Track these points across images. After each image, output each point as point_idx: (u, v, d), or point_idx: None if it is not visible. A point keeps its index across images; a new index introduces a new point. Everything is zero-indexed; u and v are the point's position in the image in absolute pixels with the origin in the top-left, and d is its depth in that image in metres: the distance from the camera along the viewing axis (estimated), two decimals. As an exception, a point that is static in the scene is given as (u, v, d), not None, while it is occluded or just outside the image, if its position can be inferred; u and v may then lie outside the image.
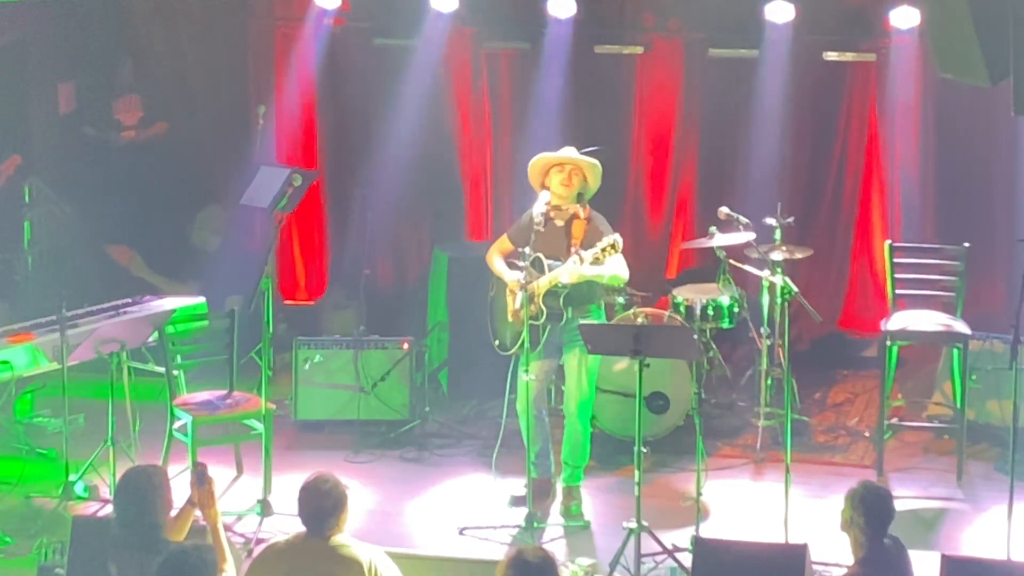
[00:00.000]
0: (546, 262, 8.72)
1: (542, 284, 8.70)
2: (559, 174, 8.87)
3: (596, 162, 8.90)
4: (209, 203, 12.20)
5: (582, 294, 8.81)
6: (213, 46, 12.31)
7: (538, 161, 8.94)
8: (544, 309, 8.72)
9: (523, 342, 8.64)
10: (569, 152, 8.93)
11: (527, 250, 8.65)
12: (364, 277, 11.66)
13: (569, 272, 8.64)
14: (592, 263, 8.59)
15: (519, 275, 8.69)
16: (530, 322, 8.60)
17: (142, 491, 6.76)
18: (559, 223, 8.88)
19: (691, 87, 11.72)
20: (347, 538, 6.54)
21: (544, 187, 8.92)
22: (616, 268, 8.77)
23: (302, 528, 6.64)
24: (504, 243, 9.14)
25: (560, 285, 8.71)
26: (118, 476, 7.10)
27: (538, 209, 8.77)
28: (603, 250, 8.57)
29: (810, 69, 11.38)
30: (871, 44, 11.30)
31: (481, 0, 11.52)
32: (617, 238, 8.63)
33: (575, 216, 8.87)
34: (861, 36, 11.34)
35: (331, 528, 6.52)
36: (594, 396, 9.11)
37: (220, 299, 11.31)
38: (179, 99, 12.41)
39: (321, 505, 6.54)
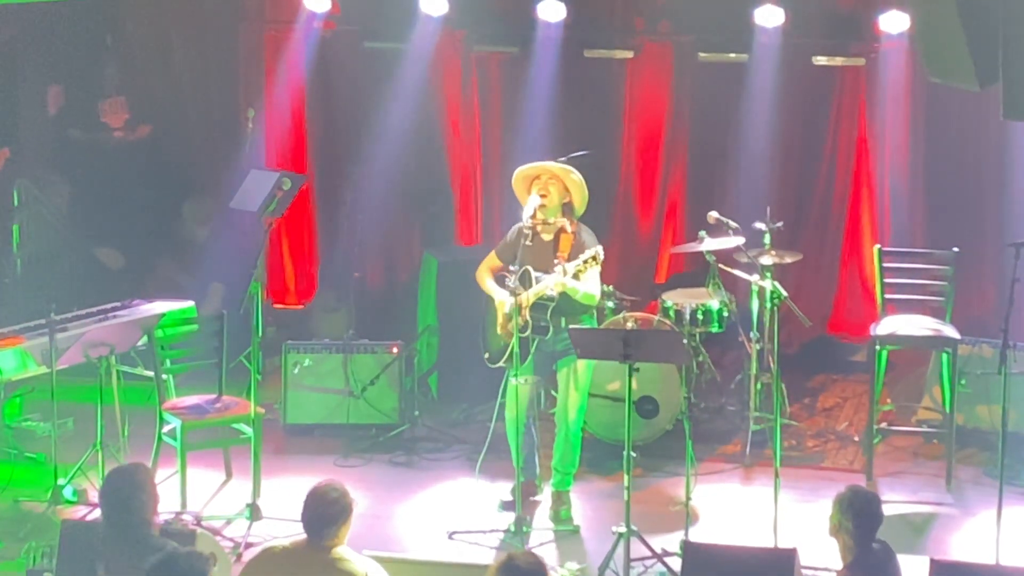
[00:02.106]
0: (534, 275, 8.72)
1: (529, 296, 8.70)
2: (536, 184, 8.88)
3: (570, 168, 8.89)
4: (194, 194, 12.19)
5: (569, 307, 8.81)
6: (203, 49, 12.31)
7: (516, 179, 8.96)
8: (530, 321, 8.72)
9: (510, 355, 8.65)
10: (544, 162, 8.92)
11: (514, 266, 8.63)
12: (354, 281, 11.67)
13: (554, 283, 8.66)
14: (575, 275, 8.61)
15: (507, 295, 8.70)
16: (518, 334, 8.59)
17: (125, 491, 6.74)
18: (547, 237, 8.89)
19: (681, 91, 11.74)
20: (346, 551, 6.48)
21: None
22: (590, 286, 8.78)
23: (298, 533, 6.60)
24: (493, 260, 9.12)
25: (547, 297, 8.71)
26: (106, 480, 7.10)
27: (527, 214, 8.75)
28: (585, 262, 8.58)
29: (800, 73, 11.39)
30: (860, 48, 11.31)
31: (471, 4, 11.52)
32: (599, 250, 8.64)
33: (562, 230, 8.88)
34: (850, 40, 11.35)
35: (330, 537, 6.46)
36: (586, 405, 9.11)
37: (203, 286, 11.34)
38: (169, 102, 12.40)
39: (325, 512, 6.47)
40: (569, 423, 8.99)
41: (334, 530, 6.48)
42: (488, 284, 9.08)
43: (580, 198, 8.89)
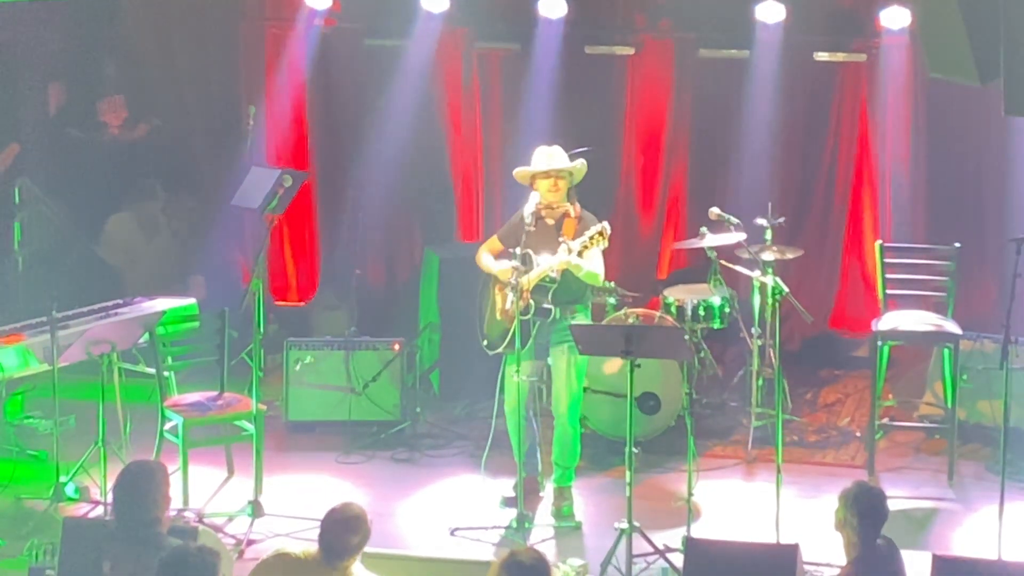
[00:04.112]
0: (535, 258, 8.71)
1: (532, 277, 8.68)
2: (545, 180, 8.87)
3: (580, 162, 8.91)
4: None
5: (570, 290, 8.80)
6: (204, 47, 12.30)
7: (522, 172, 8.95)
8: (532, 303, 8.70)
9: (511, 340, 8.63)
10: (553, 161, 8.90)
11: (517, 250, 8.63)
12: (355, 278, 11.66)
13: (559, 262, 8.63)
14: (581, 251, 8.59)
15: (509, 264, 8.69)
16: (520, 317, 8.58)
17: (142, 485, 6.72)
18: (550, 222, 8.89)
19: (682, 88, 11.73)
20: (359, 568, 6.48)
21: (533, 188, 8.94)
22: (594, 264, 8.78)
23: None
24: (494, 243, 9.13)
25: (549, 279, 8.70)
26: (109, 477, 7.09)
27: (529, 210, 8.76)
28: (591, 238, 8.58)
29: (801, 69, 11.39)
30: (862, 44, 11.31)
31: (472, 1, 11.52)
32: (605, 225, 8.64)
33: (566, 215, 8.88)
34: (852, 36, 11.35)
35: (346, 560, 6.47)
36: (582, 395, 9.10)
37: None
38: (170, 100, 12.40)
39: (347, 542, 6.42)
40: (562, 414, 8.97)
41: (354, 556, 6.47)
42: (487, 262, 9.06)
43: (581, 176, 8.93)
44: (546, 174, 8.87)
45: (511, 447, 9.00)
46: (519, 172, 8.97)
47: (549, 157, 8.89)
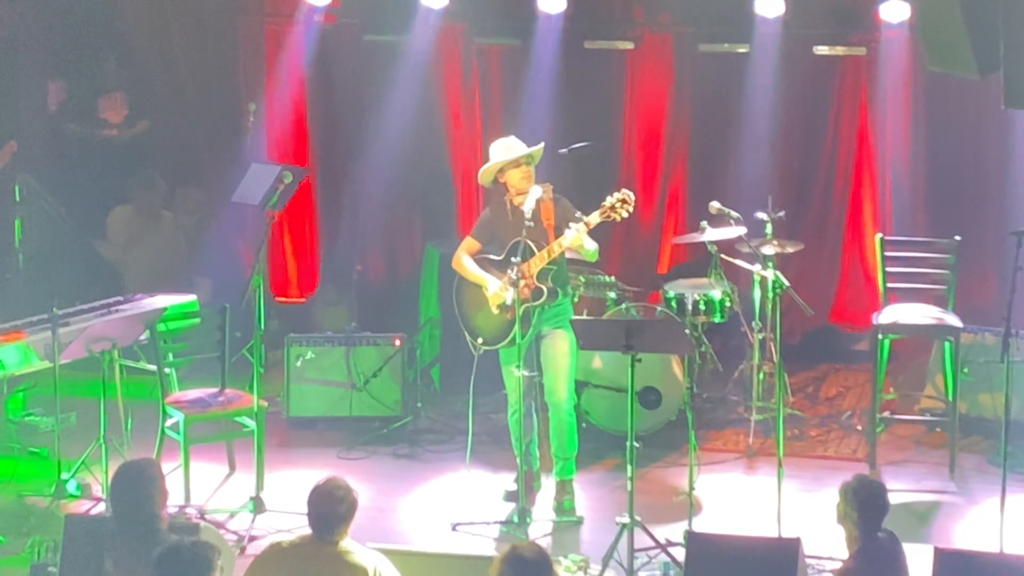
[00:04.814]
0: (531, 245, 8.68)
1: (534, 262, 8.65)
2: (517, 170, 8.85)
3: (540, 145, 8.92)
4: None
5: (563, 273, 8.82)
6: (203, 43, 12.31)
7: (490, 168, 8.92)
8: (544, 288, 8.68)
9: (516, 334, 8.61)
10: (519, 148, 8.88)
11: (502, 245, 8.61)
12: (356, 274, 11.68)
13: (574, 236, 8.57)
14: (601, 220, 8.56)
15: (493, 278, 8.71)
16: (525, 304, 8.55)
17: (137, 484, 6.76)
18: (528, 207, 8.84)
19: (682, 82, 11.73)
20: (352, 544, 6.51)
21: (499, 182, 8.92)
22: (591, 243, 8.76)
23: (304, 528, 6.62)
24: (471, 244, 9.06)
25: (550, 262, 8.67)
26: (110, 474, 7.10)
27: (529, 206, 8.68)
28: (612, 207, 8.52)
29: (800, 63, 11.39)
30: (861, 38, 11.31)
31: (471, -4, 11.55)
32: (627, 193, 8.58)
33: (541, 199, 8.83)
34: (851, 30, 11.36)
35: (338, 534, 6.50)
36: (574, 385, 9.06)
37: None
38: (170, 97, 12.40)
39: (334, 511, 6.49)
40: (561, 400, 8.94)
41: (343, 527, 6.51)
42: (473, 269, 8.98)
43: (539, 157, 8.94)
44: (517, 162, 8.86)
45: (509, 441, 8.99)
46: (488, 169, 8.92)
47: (514, 145, 8.88)
